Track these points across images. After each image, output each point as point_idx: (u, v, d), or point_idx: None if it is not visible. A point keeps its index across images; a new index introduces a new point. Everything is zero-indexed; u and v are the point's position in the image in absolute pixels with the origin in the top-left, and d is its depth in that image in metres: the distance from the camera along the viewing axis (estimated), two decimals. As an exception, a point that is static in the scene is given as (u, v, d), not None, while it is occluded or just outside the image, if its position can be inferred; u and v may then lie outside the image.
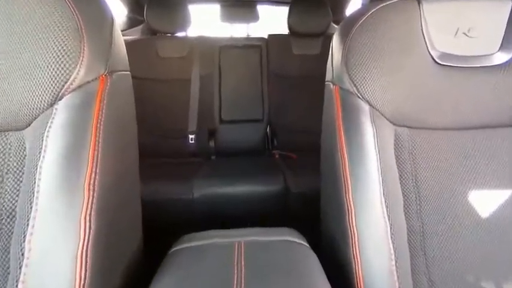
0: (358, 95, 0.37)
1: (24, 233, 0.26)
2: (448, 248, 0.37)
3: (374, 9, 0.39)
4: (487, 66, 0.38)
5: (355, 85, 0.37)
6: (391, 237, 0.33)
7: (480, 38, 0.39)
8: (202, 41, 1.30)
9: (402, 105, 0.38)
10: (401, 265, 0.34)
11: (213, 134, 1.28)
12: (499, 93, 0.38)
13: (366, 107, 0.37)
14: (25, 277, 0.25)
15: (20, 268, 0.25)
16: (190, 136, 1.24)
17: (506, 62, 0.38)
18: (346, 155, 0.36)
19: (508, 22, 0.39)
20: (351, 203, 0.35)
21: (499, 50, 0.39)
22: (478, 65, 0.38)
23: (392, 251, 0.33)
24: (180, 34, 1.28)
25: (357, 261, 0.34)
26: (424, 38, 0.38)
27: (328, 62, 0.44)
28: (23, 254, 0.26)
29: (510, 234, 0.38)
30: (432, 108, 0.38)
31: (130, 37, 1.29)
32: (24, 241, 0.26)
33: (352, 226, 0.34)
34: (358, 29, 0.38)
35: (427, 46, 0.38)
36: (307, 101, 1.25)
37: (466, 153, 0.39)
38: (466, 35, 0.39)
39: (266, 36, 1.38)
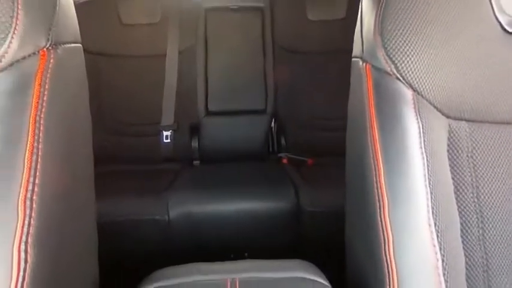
0: (398, 76, 0.38)
1: None
2: None
3: None
4: None
5: (393, 62, 0.38)
6: (444, 274, 0.34)
7: None
8: (181, 1, 1.30)
9: (459, 90, 0.38)
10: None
11: (197, 130, 1.28)
12: None
13: (408, 93, 0.37)
14: None
15: None
16: (165, 133, 1.23)
17: None
18: (381, 160, 0.37)
19: None
20: (388, 226, 0.35)
21: None
22: None
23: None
24: None
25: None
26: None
27: (356, 31, 0.44)
28: None
29: None
30: (501, 94, 0.39)
31: None
32: None
33: (390, 259, 0.35)
34: None
35: (493, 9, 0.39)
36: (328, 85, 1.25)
37: None
38: None
39: None
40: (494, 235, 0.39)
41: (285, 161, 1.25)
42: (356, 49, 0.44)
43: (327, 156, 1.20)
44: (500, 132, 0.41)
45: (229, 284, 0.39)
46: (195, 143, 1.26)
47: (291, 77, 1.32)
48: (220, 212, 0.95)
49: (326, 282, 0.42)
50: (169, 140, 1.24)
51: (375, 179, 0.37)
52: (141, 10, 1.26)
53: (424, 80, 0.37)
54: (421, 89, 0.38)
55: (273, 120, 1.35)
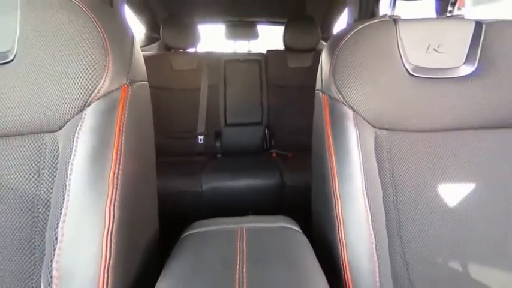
0: (343, 102, 0.37)
1: (57, 221, 0.27)
2: (421, 233, 0.37)
3: (357, 28, 0.39)
4: (454, 77, 0.38)
5: (340, 93, 0.37)
6: (372, 224, 0.33)
7: (448, 53, 0.39)
8: (209, 55, 1.31)
9: (381, 110, 0.37)
10: (380, 248, 0.34)
11: (219, 135, 1.28)
12: (464, 101, 0.38)
13: (350, 113, 0.37)
14: (58, 257, 0.26)
15: (54, 250, 0.26)
16: (200, 137, 1.25)
17: (470, 73, 0.38)
18: (333, 154, 0.36)
19: (471, 39, 0.39)
20: (338, 195, 0.35)
21: (464, 63, 0.39)
22: (446, 76, 0.38)
23: (372, 236, 0.33)
24: (191, 50, 1.30)
25: (343, 245, 0.34)
26: (400, 53, 0.38)
27: (318, 74, 0.43)
28: (56, 239, 0.26)
29: (472, 221, 0.38)
30: (407, 113, 0.38)
31: (149, 52, 1.31)
32: (57, 227, 0.26)
33: (339, 215, 0.34)
34: (344, 46, 0.38)
35: (402, 60, 0.38)
36: (301, 107, 1.25)
37: (436, 152, 0.39)
38: (436, 51, 0.39)
39: (265, 52, 1.39)
40: (403, 200, 0.38)
41: (274, 155, 1.24)
42: (318, 85, 0.43)
43: (300, 152, 1.20)
44: (407, 136, 0.40)
45: (238, 231, 0.39)
46: (218, 143, 1.25)
47: (277, 102, 1.32)
48: (233, 186, 0.96)
49: (299, 230, 0.41)
50: (202, 142, 1.25)
51: (329, 166, 0.37)
52: (185, 61, 1.27)
53: (360, 104, 0.37)
54: (358, 110, 0.37)
55: (266, 129, 1.35)
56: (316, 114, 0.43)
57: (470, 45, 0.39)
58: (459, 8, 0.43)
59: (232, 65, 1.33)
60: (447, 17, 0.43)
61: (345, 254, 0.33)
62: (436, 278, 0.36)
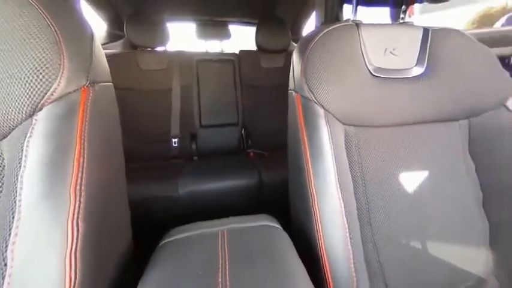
0: (315, 101, 0.38)
1: (6, 244, 0.23)
2: (387, 219, 0.40)
3: (324, 31, 0.41)
4: (408, 77, 0.42)
5: (312, 93, 0.38)
6: (345, 214, 0.35)
7: (402, 56, 0.43)
8: (180, 55, 1.25)
9: (349, 108, 0.39)
10: (353, 236, 0.35)
11: (194, 137, 1.24)
12: (417, 98, 0.42)
13: (321, 111, 0.38)
14: (9, 286, 0.22)
15: (3, 278, 0.22)
16: (174, 140, 1.19)
17: (420, 74, 0.43)
18: (307, 151, 0.37)
19: (420, 43, 0.44)
20: (313, 189, 0.36)
21: (415, 65, 0.43)
22: (402, 76, 0.42)
23: (346, 225, 0.35)
24: (159, 49, 1.22)
25: (320, 236, 0.34)
26: (363, 55, 0.41)
27: (290, 74, 0.44)
28: (6, 264, 0.22)
29: (427, 205, 0.42)
30: (371, 110, 0.41)
31: (112, 51, 1.19)
32: (6, 251, 0.22)
33: (315, 208, 0.35)
34: (313, 47, 0.39)
35: (365, 62, 0.41)
36: (275, 106, 1.27)
37: (396, 145, 0.42)
38: (392, 53, 0.42)
39: (237, 52, 1.38)
40: (371, 190, 0.40)
41: (251, 154, 1.25)
42: (290, 85, 0.44)
43: (277, 150, 1.22)
44: (372, 131, 0.42)
45: (220, 234, 0.38)
46: (193, 146, 1.21)
47: (252, 102, 1.32)
48: (212, 188, 0.93)
49: (279, 226, 0.41)
50: (177, 145, 1.19)
51: (304, 162, 0.37)
52: (154, 60, 1.19)
53: (330, 103, 0.38)
54: (328, 108, 0.38)
55: (243, 129, 1.35)
56: (290, 113, 0.43)
57: (420, 49, 0.44)
58: (409, 16, 0.48)
59: (205, 65, 1.29)
60: (400, 23, 0.48)
61: (323, 244, 0.34)
62: (401, 257, 0.39)
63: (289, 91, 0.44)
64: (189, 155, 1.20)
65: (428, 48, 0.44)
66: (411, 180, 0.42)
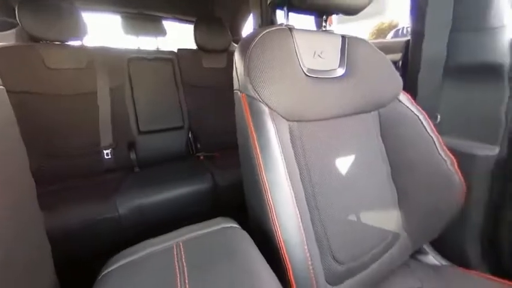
0: (260, 100, 0.39)
1: None
2: (329, 200, 0.45)
3: (263, 33, 0.43)
4: (334, 77, 0.49)
5: (257, 92, 0.39)
6: (296, 202, 0.37)
7: (327, 59, 0.49)
8: (105, 52, 1.07)
9: (290, 106, 0.42)
10: (304, 221, 0.38)
11: (133, 145, 1.09)
12: (342, 95, 0.49)
13: (266, 109, 0.39)
14: None
15: None
16: (106, 151, 1.01)
17: (343, 74, 0.50)
18: (257, 148, 0.38)
19: (340, 49, 0.52)
20: (266, 183, 0.37)
21: (339, 67, 0.51)
22: (329, 76, 0.48)
23: (297, 212, 0.37)
24: (74, 43, 1.01)
25: (276, 227, 0.36)
26: (298, 57, 0.45)
27: (233, 74, 0.44)
28: None
29: (357, 183, 0.49)
30: (308, 107, 0.45)
31: (1, 43, 0.92)
32: None
33: (269, 200, 0.36)
34: (254, 48, 0.41)
35: (299, 63, 0.45)
36: (220, 106, 1.25)
37: (331, 135, 0.48)
38: (320, 56, 0.48)
39: (176, 50, 1.29)
40: (315, 176, 0.44)
41: (201, 158, 1.20)
42: (235, 85, 0.44)
43: (227, 150, 1.21)
44: (311, 125, 0.46)
45: (175, 247, 0.35)
46: (133, 155, 1.06)
47: (197, 103, 1.26)
48: (159, 200, 0.83)
49: (238, 226, 0.41)
50: (110, 156, 1.02)
51: (255, 158, 0.38)
52: (66, 57, 0.97)
53: (273, 101, 0.40)
54: (272, 106, 0.40)
55: (190, 132, 1.28)
56: (237, 112, 0.44)
57: (340, 53, 0.52)
58: (329, 25, 0.56)
59: (138, 64, 1.15)
60: (323, 30, 0.55)
61: (280, 233, 0.36)
62: (343, 231, 0.46)
63: (235, 91, 0.44)
64: (129, 166, 1.06)
65: (346, 52, 0.52)
66: (343, 164, 0.49)
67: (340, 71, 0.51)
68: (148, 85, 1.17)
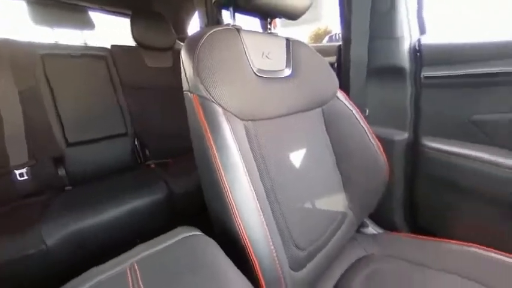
0: (213, 100, 0.39)
1: None
2: (287, 192, 0.47)
3: (210, 32, 0.42)
4: (282, 77, 0.52)
5: (209, 92, 0.38)
6: (256, 198, 0.38)
7: (275, 60, 0.52)
8: (9, 46, 0.85)
9: (243, 106, 0.43)
10: (266, 215, 0.39)
11: (61, 161, 0.90)
12: (290, 94, 0.52)
13: (219, 110, 0.39)
14: None
15: None
16: (20, 171, 0.81)
17: (289, 75, 0.54)
18: (214, 149, 0.37)
19: (286, 50, 0.56)
20: (226, 183, 0.36)
21: (285, 68, 0.54)
22: (277, 76, 0.51)
23: (259, 208, 0.37)
24: None
25: (240, 225, 0.36)
26: (247, 57, 0.45)
27: (182, 74, 0.42)
28: None
29: (309, 174, 0.53)
30: (260, 105, 0.46)
31: None
32: None
33: (231, 200, 0.36)
34: (202, 47, 0.40)
35: (249, 63, 0.46)
36: (169, 109, 1.17)
37: (284, 132, 0.51)
38: (268, 57, 0.51)
39: (109, 47, 1.13)
40: (273, 171, 0.46)
41: (152, 166, 1.09)
42: (185, 86, 0.42)
43: (181, 155, 1.14)
44: (264, 123, 0.47)
45: (129, 270, 0.31)
46: (62, 172, 0.88)
47: (141, 106, 1.13)
48: (103, 221, 0.71)
49: (200, 233, 0.40)
50: (27, 177, 0.81)
51: (213, 159, 0.37)
52: None
53: (226, 101, 0.40)
54: (226, 107, 0.40)
55: (136, 139, 1.14)
56: (189, 114, 0.42)
57: (286, 54, 0.56)
58: (274, 28, 0.59)
59: (58, 62, 0.96)
60: (268, 33, 0.58)
61: (244, 231, 0.36)
62: (301, 219, 0.49)
63: (185, 92, 0.42)
64: (58, 185, 0.88)
65: (291, 54, 0.56)
66: (296, 158, 0.53)
67: (287, 71, 0.54)
68: (75, 87, 0.98)
